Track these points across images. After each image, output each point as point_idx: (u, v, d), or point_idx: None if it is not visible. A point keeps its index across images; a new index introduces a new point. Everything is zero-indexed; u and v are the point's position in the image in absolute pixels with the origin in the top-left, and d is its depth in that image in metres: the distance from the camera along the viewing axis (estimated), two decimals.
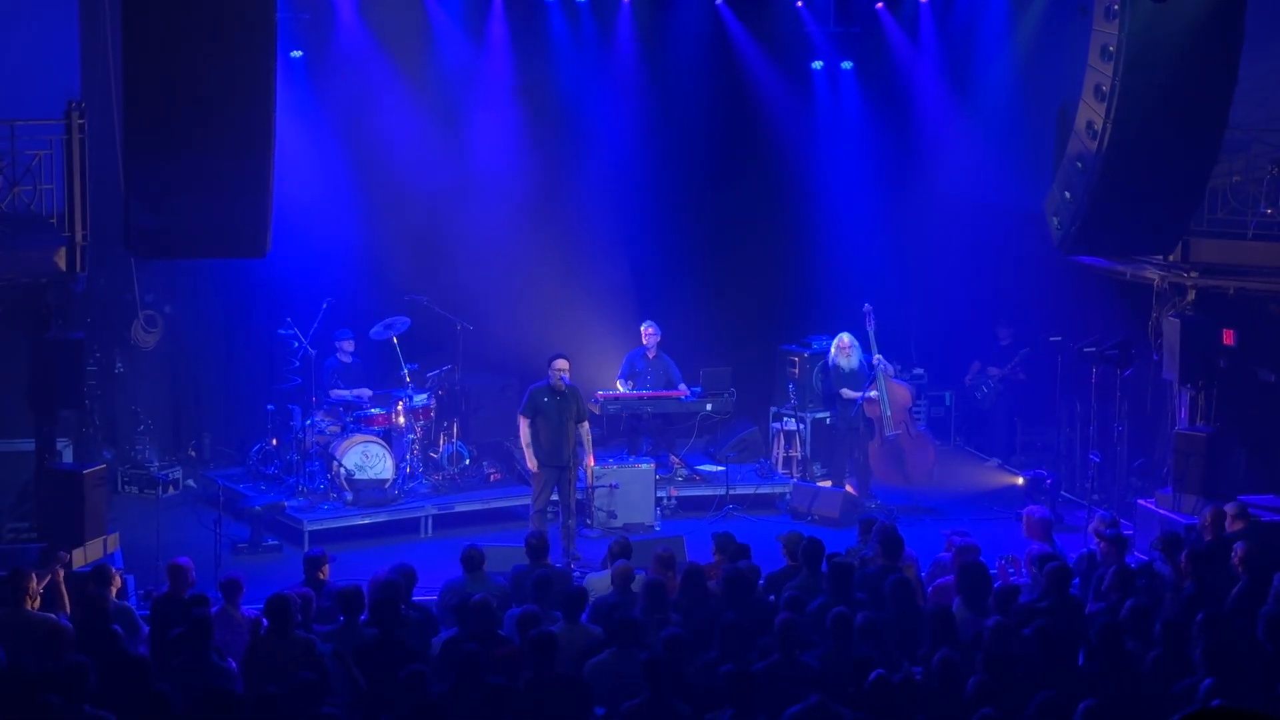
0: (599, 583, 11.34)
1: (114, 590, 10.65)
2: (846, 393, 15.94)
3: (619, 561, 11.03)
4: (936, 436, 17.13)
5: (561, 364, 14.25)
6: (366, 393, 15.75)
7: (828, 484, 16.16)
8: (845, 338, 15.98)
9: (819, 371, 16.69)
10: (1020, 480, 15.79)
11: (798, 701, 8.73)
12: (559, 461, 14.16)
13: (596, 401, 15.87)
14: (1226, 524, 12.07)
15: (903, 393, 16.35)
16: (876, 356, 15.90)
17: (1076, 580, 11.22)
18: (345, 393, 15.66)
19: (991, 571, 11.81)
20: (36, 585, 10.27)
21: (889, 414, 16.06)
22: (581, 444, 14.58)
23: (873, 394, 15.88)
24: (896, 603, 10.20)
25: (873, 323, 15.93)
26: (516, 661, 9.38)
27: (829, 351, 16.21)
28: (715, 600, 10.53)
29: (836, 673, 8.96)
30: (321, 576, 10.96)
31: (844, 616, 9.42)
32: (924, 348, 18.03)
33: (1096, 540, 11.79)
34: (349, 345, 15.90)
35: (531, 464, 14.29)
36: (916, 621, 10.00)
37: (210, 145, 11.80)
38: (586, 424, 14.57)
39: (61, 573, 10.88)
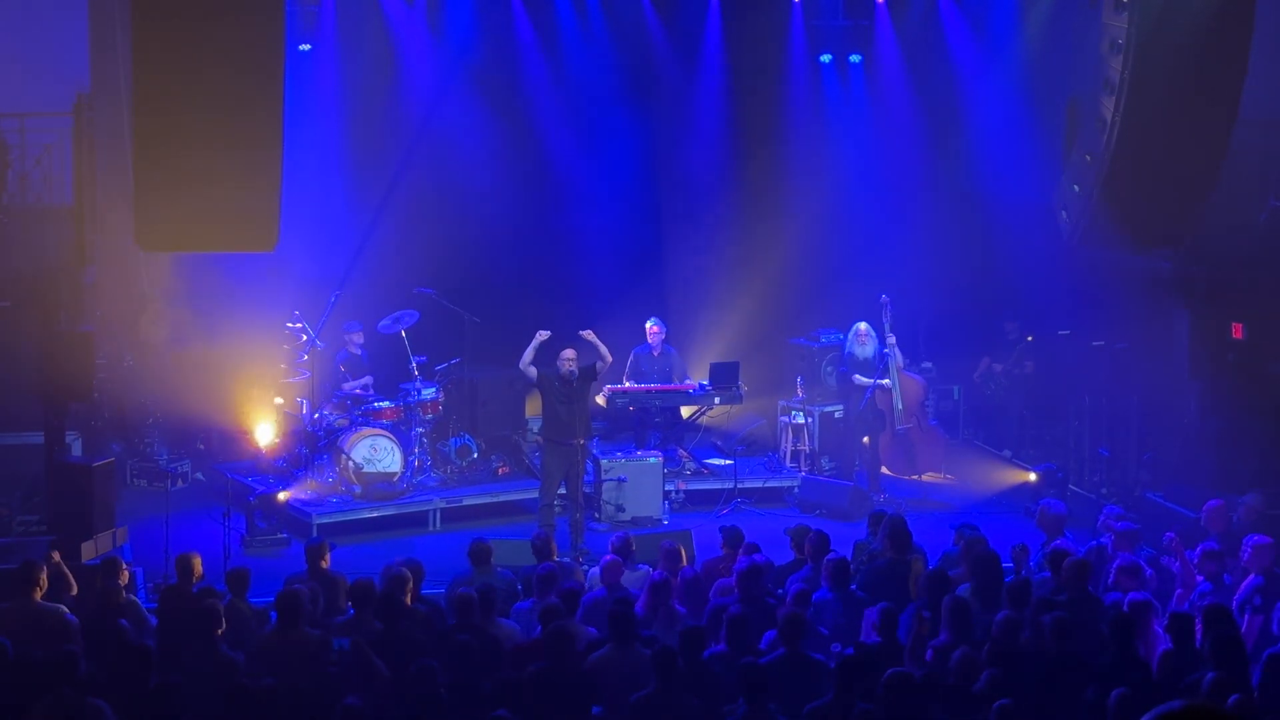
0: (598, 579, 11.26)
1: (122, 582, 10.66)
2: (859, 379, 15.96)
3: (608, 558, 10.99)
4: (945, 430, 17.11)
5: (569, 354, 14.24)
6: (368, 379, 15.77)
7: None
8: (863, 326, 16.04)
9: (829, 364, 16.71)
10: (1032, 477, 15.72)
11: (803, 695, 8.72)
12: (568, 439, 14.12)
13: (605, 395, 15.88)
14: (1237, 517, 12.04)
15: (915, 386, 16.36)
16: (890, 338, 15.88)
17: None
18: (352, 384, 15.70)
19: (1006, 564, 11.80)
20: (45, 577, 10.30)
21: (900, 406, 16.07)
22: (590, 434, 14.61)
23: (884, 382, 15.89)
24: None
25: (889, 315, 15.92)
26: (528, 654, 9.37)
27: (844, 341, 16.25)
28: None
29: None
30: (324, 565, 10.97)
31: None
32: (933, 341, 18.00)
33: (1107, 533, 11.77)
34: (358, 337, 15.95)
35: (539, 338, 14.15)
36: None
37: (219, 138, 11.80)
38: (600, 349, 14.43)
39: (57, 555, 10.93)
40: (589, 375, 14.29)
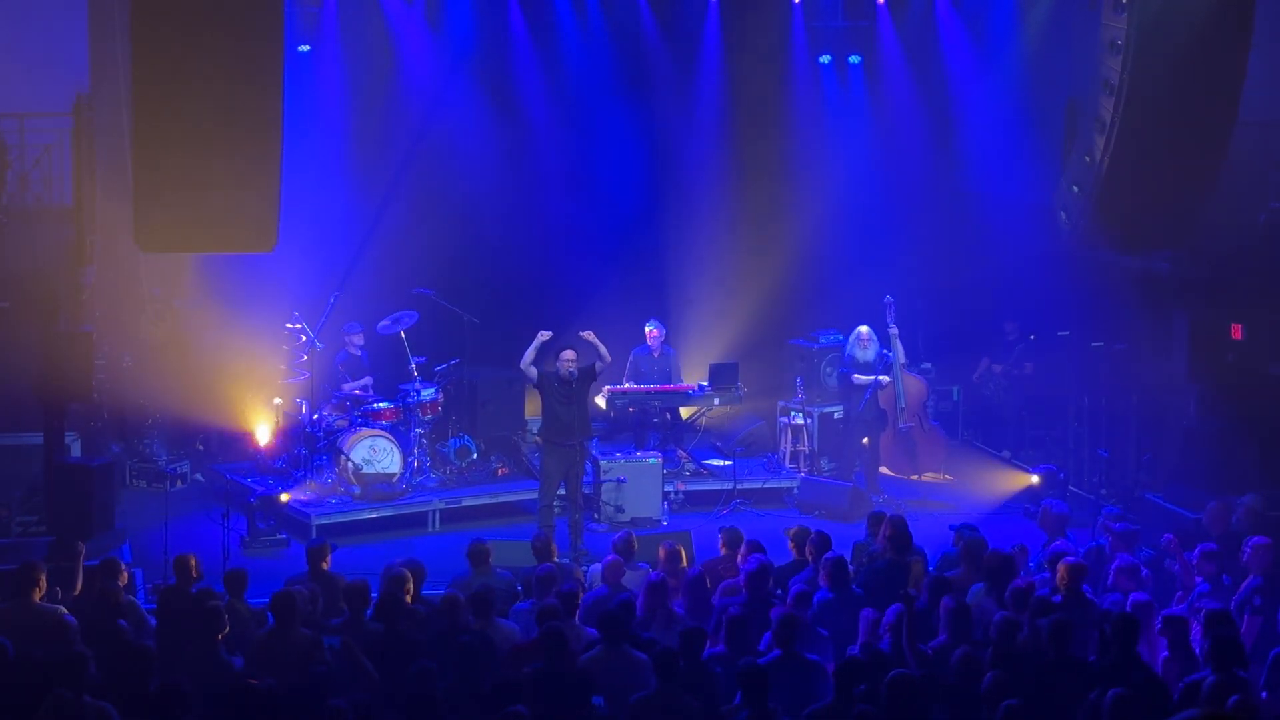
0: (598, 577, 11.33)
1: (121, 584, 10.67)
2: (858, 378, 15.96)
3: (610, 557, 11.02)
4: (944, 431, 17.08)
5: (569, 355, 14.25)
6: (368, 380, 15.79)
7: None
8: (864, 330, 16.02)
9: (828, 365, 16.72)
10: (1035, 479, 15.65)
11: (798, 697, 8.71)
12: (568, 440, 14.11)
13: (605, 396, 15.88)
14: (1236, 518, 12.03)
15: (918, 385, 16.36)
16: (893, 329, 15.85)
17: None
18: (351, 385, 15.71)
19: None
20: (45, 578, 10.30)
21: (904, 405, 16.07)
22: (589, 434, 14.63)
23: (884, 379, 15.87)
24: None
25: (894, 314, 15.91)
26: (524, 655, 9.37)
27: (845, 343, 16.26)
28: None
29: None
30: (324, 566, 10.97)
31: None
32: (932, 342, 18.01)
33: (1105, 534, 11.77)
34: (358, 338, 15.96)
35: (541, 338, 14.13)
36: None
37: (219, 139, 11.81)
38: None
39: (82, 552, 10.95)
40: (588, 376, 14.29)
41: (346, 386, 15.72)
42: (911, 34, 17.89)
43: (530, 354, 14.11)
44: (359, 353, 16.02)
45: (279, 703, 8.38)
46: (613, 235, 17.69)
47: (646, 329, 16.46)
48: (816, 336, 17.13)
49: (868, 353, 16.00)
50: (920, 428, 16.33)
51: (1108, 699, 8.16)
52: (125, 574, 10.94)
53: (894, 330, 15.93)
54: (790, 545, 11.56)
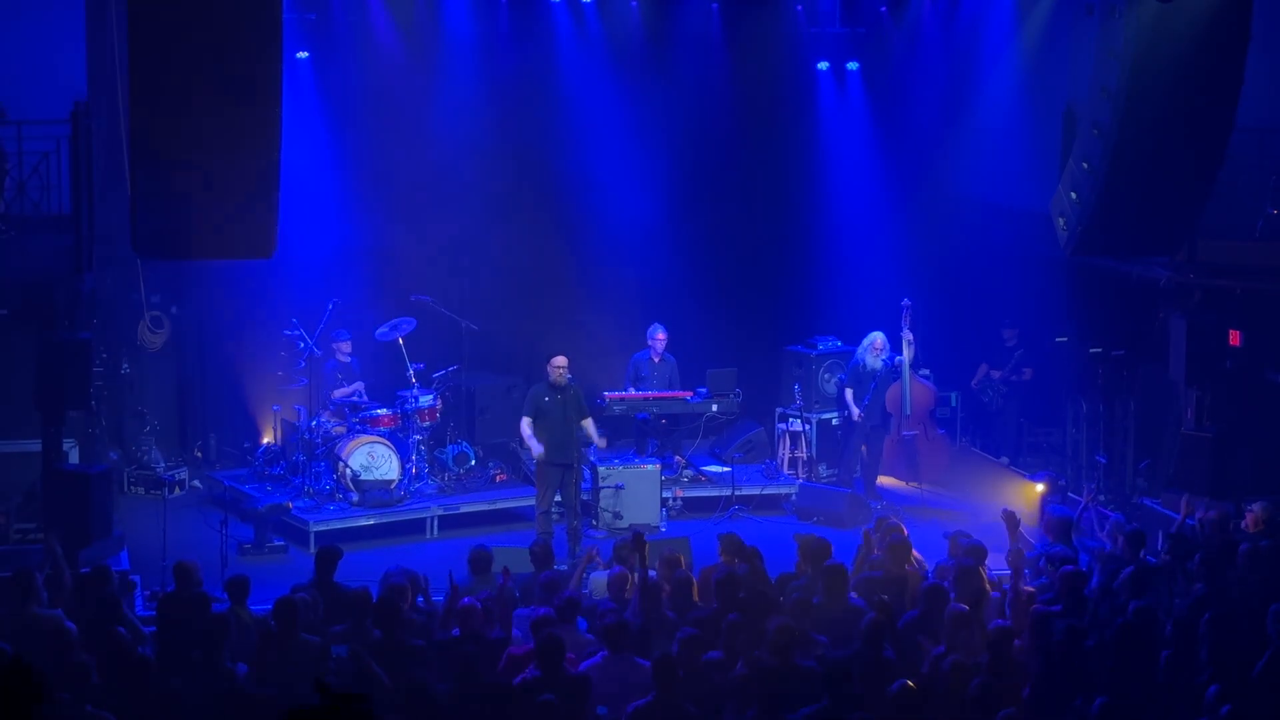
0: (600, 584, 11.32)
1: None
2: (849, 394, 15.94)
3: (616, 569, 10.99)
4: (950, 440, 17.03)
5: (560, 361, 14.27)
6: (359, 385, 15.76)
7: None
8: (880, 338, 15.93)
9: (827, 371, 16.71)
10: (1040, 488, 15.55)
11: (795, 702, 8.71)
12: (564, 460, 14.16)
13: (603, 403, 15.89)
14: (1243, 524, 12.04)
15: (926, 393, 16.33)
16: (908, 335, 15.82)
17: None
18: (343, 392, 15.69)
19: (1003, 570, 11.78)
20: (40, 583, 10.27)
21: (909, 412, 16.04)
22: (584, 443, 14.64)
23: (857, 416, 15.83)
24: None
25: (909, 319, 15.85)
26: (523, 663, 9.36)
27: (842, 350, 16.23)
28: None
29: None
30: (331, 573, 10.94)
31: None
32: (930, 348, 18.00)
33: (1102, 538, 11.76)
34: (346, 346, 15.91)
35: (537, 452, 14.25)
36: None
37: (217, 146, 11.79)
38: (590, 420, 14.57)
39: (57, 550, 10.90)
40: (580, 412, 14.31)
41: (338, 393, 15.70)
42: (910, 40, 17.90)
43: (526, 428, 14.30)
44: (348, 359, 15.98)
45: (281, 710, 8.35)
46: (610, 242, 17.66)
47: (656, 334, 16.40)
48: (814, 343, 17.12)
49: (877, 361, 15.94)
50: (925, 436, 16.29)
51: (1095, 706, 8.16)
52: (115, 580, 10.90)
53: (908, 336, 15.89)
54: (799, 551, 11.51)
